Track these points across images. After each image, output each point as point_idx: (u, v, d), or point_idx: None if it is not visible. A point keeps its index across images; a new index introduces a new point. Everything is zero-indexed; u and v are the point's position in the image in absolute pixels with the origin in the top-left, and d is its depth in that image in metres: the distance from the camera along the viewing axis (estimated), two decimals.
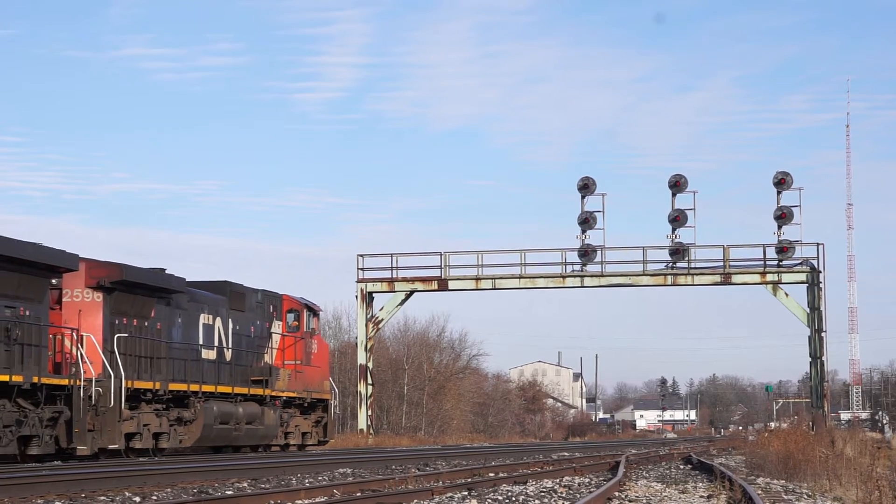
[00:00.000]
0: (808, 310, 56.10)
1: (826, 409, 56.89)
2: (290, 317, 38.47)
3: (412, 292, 58.71)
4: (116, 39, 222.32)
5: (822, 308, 55.86)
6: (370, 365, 58.87)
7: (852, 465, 22.44)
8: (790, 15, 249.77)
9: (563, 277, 57.63)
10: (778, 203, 56.30)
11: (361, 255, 58.54)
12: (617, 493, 18.38)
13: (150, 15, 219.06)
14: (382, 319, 59.52)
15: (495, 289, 58.42)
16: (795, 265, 56.31)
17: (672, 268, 57.07)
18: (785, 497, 18.25)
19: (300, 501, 16.75)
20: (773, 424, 69.75)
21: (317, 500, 16.91)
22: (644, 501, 17.15)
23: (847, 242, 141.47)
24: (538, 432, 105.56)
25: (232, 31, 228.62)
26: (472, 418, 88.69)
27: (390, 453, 35.49)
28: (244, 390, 35.08)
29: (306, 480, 21.38)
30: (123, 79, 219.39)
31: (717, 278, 56.84)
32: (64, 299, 28.64)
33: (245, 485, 20.16)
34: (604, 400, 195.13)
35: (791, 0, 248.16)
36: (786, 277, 56.24)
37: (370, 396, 58.87)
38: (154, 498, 17.30)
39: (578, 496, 17.99)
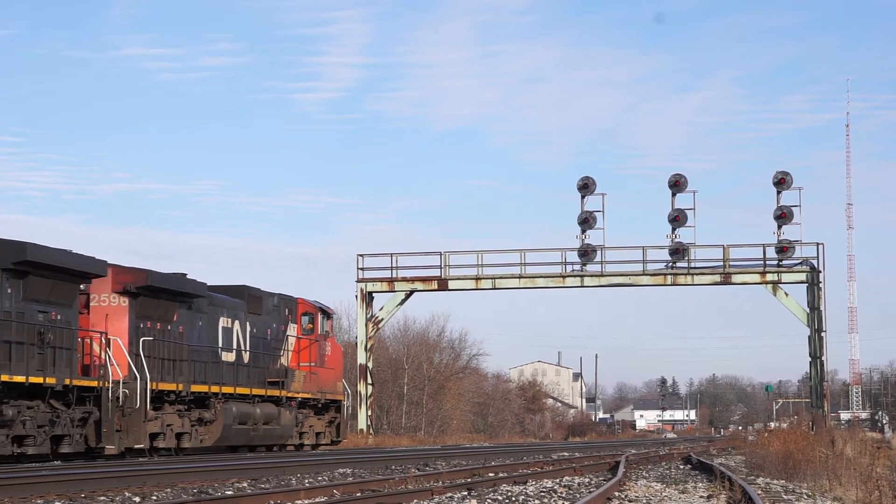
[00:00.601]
0: (808, 310, 56.10)
1: (826, 408, 56.88)
2: (305, 320, 39.39)
3: (412, 292, 58.71)
4: (117, 39, 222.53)
5: (822, 308, 55.86)
6: (370, 365, 58.86)
7: (852, 465, 22.44)
8: (790, 15, 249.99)
9: (563, 277, 57.62)
10: (778, 203, 56.29)
11: (361, 255, 58.57)
12: (617, 493, 18.39)
13: (151, 15, 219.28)
14: (382, 319, 59.52)
15: (495, 289, 58.42)
16: (795, 265, 56.31)
17: (672, 268, 57.06)
18: (785, 497, 18.25)
19: (300, 501, 16.75)
20: (772, 424, 69.72)
21: (317, 500, 16.90)
22: (644, 501, 17.15)
23: (847, 242, 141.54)
24: (538, 432, 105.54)
25: (232, 31, 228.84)
26: (472, 418, 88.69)
27: (390, 453, 35.49)
28: (261, 391, 36.06)
29: (306, 480, 21.38)
30: (123, 79, 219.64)
31: (717, 278, 56.83)
32: (91, 304, 29.72)
33: (245, 485, 20.16)
34: (604, 400, 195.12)
35: (791, 0, 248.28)
36: (786, 277, 56.24)
37: (370, 396, 58.86)
38: (154, 498, 17.29)
39: (578, 496, 17.99)
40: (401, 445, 52.37)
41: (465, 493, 18.11)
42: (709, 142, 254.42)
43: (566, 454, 37.37)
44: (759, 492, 18.44)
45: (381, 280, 58.43)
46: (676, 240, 56.27)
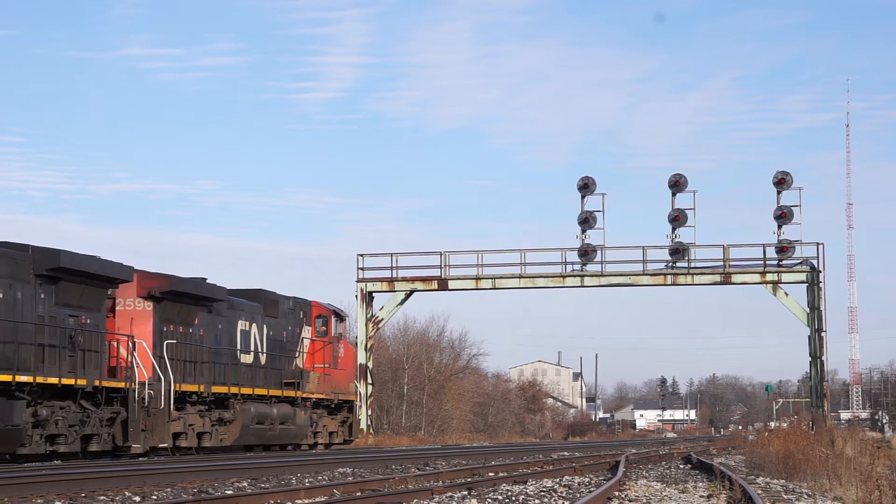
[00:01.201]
0: (808, 309, 56.11)
1: (826, 408, 56.89)
2: (319, 322, 40.46)
3: (412, 292, 58.73)
4: (117, 39, 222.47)
5: (822, 308, 55.87)
6: (370, 365, 58.86)
7: (852, 465, 22.43)
8: (790, 15, 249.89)
9: (563, 277, 57.63)
10: (778, 203, 56.31)
11: (361, 255, 58.58)
12: (617, 493, 18.38)
13: (151, 15, 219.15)
14: (382, 319, 59.53)
15: (495, 288, 58.43)
16: (795, 265, 56.32)
17: (672, 267, 57.07)
18: (785, 497, 18.25)
19: (300, 501, 16.75)
20: (772, 424, 69.74)
21: (317, 499, 16.90)
22: (644, 501, 17.15)
23: (847, 242, 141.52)
24: (538, 432, 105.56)
25: (232, 31, 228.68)
26: (472, 418, 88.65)
27: (390, 453, 35.51)
28: (278, 392, 37.07)
29: (306, 480, 21.37)
30: (124, 79, 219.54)
31: (717, 278, 56.83)
32: (117, 308, 30.88)
33: (245, 484, 20.16)
34: (604, 400, 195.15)
35: (791, 0, 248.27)
36: (786, 277, 56.24)
37: (370, 396, 58.88)
38: (154, 498, 17.29)
39: (578, 496, 17.99)
40: (401, 445, 52.38)
41: (466, 492, 18.11)
42: (709, 142, 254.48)
43: (566, 454, 37.38)
44: (759, 491, 18.44)
45: (381, 280, 58.45)
46: (676, 240, 56.28)
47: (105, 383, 28.43)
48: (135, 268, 30.32)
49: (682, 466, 29.97)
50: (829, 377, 65.39)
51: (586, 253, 56.43)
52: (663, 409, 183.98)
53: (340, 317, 42.12)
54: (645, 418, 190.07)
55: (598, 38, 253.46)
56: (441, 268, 57.73)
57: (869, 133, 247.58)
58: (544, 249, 58.35)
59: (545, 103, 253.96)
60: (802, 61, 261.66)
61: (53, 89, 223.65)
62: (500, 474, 23.43)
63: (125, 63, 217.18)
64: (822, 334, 56.04)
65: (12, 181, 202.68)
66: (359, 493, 17.82)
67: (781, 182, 56.38)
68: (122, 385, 29.13)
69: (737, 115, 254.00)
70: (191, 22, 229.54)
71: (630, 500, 17.19)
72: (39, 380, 25.97)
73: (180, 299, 32.04)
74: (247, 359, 35.72)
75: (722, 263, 56.65)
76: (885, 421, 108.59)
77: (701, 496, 18.20)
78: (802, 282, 56.39)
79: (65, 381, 26.82)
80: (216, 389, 33.36)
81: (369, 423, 58.25)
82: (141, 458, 29.14)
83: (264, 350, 36.72)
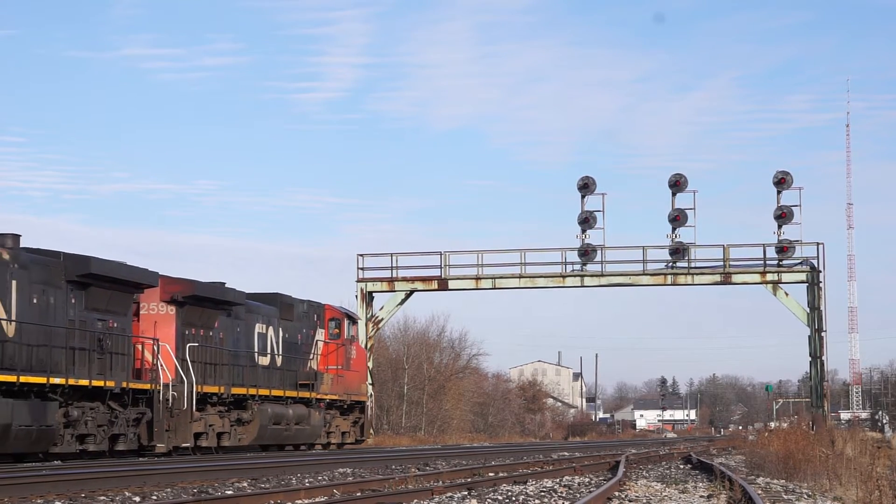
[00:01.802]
0: (808, 309, 56.07)
1: (826, 408, 56.86)
2: (332, 325, 41.67)
3: (412, 292, 58.69)
4: (117, 39, 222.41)
5: (822, 308, 55.82)
6: (370, 364, 58.74)
7: (852, 465, 22.42)
8: (790, 15, 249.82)
9: (563, 277, 57.59)
10: (778, 203, 56.25)
11: (361, 255, 58.52)
12: (617, 493, 18.38)
13: (151, 15, 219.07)
14: (382, 319, 59.49)
15: (495, 288, 58.38)
16: (795, 265, 56.27)
17: (672, 267, 57.03)
18: (785, 497, 18.25)
19: (300, 501, 16.75)
20: (773, 424, 69.73)
21: (317, 499, 16.90)
22: (644, 501, 17.15)
23: (847, 242, 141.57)
24: (538, 432, 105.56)
25: (232, 31, 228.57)
26: (472, 418, 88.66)
27: (390, 453, 35.54)
28: (293, 393, 38.23)
29: (306, 480, 21.37)
30: (124, 79, 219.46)
31: (717, 278, 56.80)
32: (141, 312, 31.97)
33: (245, 484, 20.16)
34: (604, 400, 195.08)
35: (791, 0, 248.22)
36: (786, 277, 56.19)
37: (370, 396, 58.80)
38: (154, 498, 17.29)
39: (578, 496, 17.99)
40: (401, 445, 52.40)
41: (466, 492, 18.10)
42: (709, 142, 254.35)
43: (566, 454, 37.38)
44: (760, 491, 18.44)
45: (381, 280, 58.40)
46: (676, 240, 56.23)
47: (132, 385, 29.64)
48: (159, 273, 31.35)
49: (682, 466, 29.97)
50: (829, 377, 65.34)
51: (586, 253, 56.40)
52: (663, 409, 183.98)
53: (353, 319, 43.49)
54: (645, 418, 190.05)
55: (598, 38, 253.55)
56: (441, 268, 57.69)
57: (869, 133, 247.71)
58: (544, 249, 58.32)
59: (545, 103, 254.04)
60: (802, 61, 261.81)
61: (53, 89, 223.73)
62: (500, 474, 23.42)
63: (125, 63, 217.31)
64: (822, 334, 56.00)
65: (12, 181, 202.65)
66: (359, 493, 17.81)
67: (781, 182, 56.33)
68: (147, 387, 30.36)
69: (737, 115, 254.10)
70: (191, 22, 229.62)
71: (630, 501, 17.19)
72: (71, 382, 27.17)
73: (201, 303, 33.14)
74: (264, 361, 36.80)
75: (722, 263, 56.60)
76: (885, 421, 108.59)
77: (701, 496, 18.20)
78: (802, 282, 56.35)
79: (94, 382, 28.07)
80: (235, 391, 34.45)
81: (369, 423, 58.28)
82: (163, 457, 30.13)
83: (280, 352, 37.85)
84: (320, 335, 40.91)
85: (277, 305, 38.01)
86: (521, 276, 57.48)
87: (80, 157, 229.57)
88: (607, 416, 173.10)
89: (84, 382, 27.68)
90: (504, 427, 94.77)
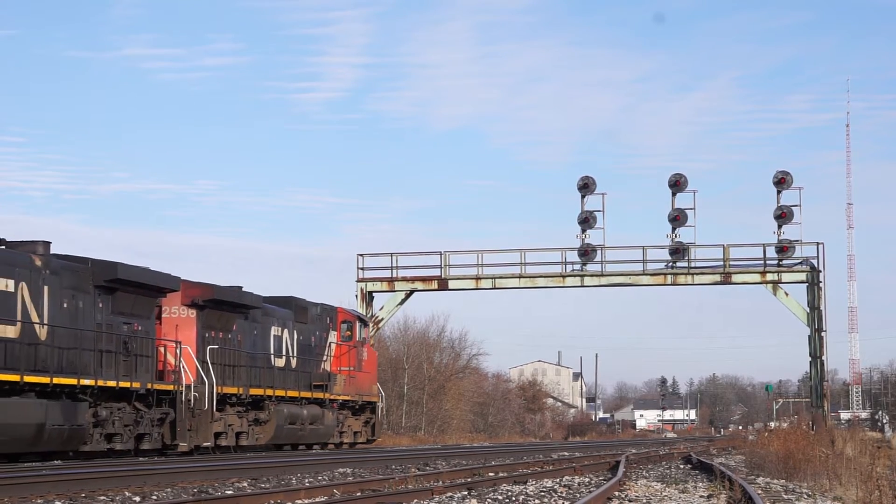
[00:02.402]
0: (808, 309, 56.06)
1: (826, 408, 56.85)
2: (344, 327, 42.68)
3: (412, 292, 58.68)
4: (117, 39, 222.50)
5: (822, 307, 55.80)
6: None
7: (852, 465, 22.43)
8: (790, 15, 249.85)
9: (563, 277, 57.58)
10: (778, 202, 56.24)
11: (361, 255, 58.50)
12: (617, 493, 18.38)
13: (151, 15, 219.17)
14: (382, 319, 59.49)
15: (495, 288, 58.36)
16: (795, 265, 56.25)
17: (672, 267, 57.02)
18: (785, 497, 18.25)
19: (300, 501, 16.75)
20: (773, 424, 69.72)
21: (317, 499, 16.90)
22: (644, 501, 17.15)
23: (847, 242, 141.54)
24: (538, 432, 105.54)
25: (232, 31, 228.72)
26: (472, 418, 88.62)
27: (390, 453, 35.54)
28: (308, 394, 39.30)
29: (306, 480, 21.37)
30: (124, 79, 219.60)
31: (717, 278, 56.79)
32: (163, 315, 32.88)
33: (245, 484, 20.16)
34: (604, 399, 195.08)
35: (791, 0, 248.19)
36: (786, 277, 56.18)
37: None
38: (154, 498, 17.29)
39: (578, 496, 17.99)
40: (401, 445, 52.39)
41: (466, 492, 18.10)
42: (709, 142, 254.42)
43: (566, 454, 37.38)
44: (760, 491, 18.45)
45: (381, 280, 58.38)
46: (676, 239, 56.22)
47: (156, 386, 30.75)
48: (180, 277, 32.13)
49: (682, 466, 29.97)
50: (829, 377, 65.32)
51: (586, 253, 56.37)
52: (663, 409, 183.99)
53: (364, 322, 44.47)
54: (645, 418, 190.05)
55: (598, 39, 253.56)
56: (441, 268, 57.68)
57: (869, 133, 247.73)
58: (544, 249, 58.31)
59: (545, 103, 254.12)
60: (802, 61, 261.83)
61: (53, 89, 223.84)
62: (500, 474, 23.42)
63: (126, 63, 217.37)
64: (822, 334, 55.98)
65: (12, 181, 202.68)
66: (359, 493, 17.82)
67: (781, 182, 56.32)
68: (171, 388, 31.43)
69: (737, 115, 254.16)
70: (191, 22, 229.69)
71: (630, 501, 17.18)
72: (100, 383, 28.36)
73: (220, 307, 34.11)
74: (279, 362, 37.76)
75: (722, 263, 56.58)
76: (885, 421, 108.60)
77: (701, 496, 18.20)
78: (802, 282, 56.33)
79: (122, 383, 29.20)
80: (253, 391, 35.36)
81: None
82: (185, 456, 31.05)
83: (295, 354, 38.88)
84: (333, 337, 41.96)
85: (292, 308, 39.06)
86: (521, 276, 57.47)
87: (80, 157, 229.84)
88: (607, 416, 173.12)
89: (112, 384, 28.83)
90: (504, 427, 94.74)
